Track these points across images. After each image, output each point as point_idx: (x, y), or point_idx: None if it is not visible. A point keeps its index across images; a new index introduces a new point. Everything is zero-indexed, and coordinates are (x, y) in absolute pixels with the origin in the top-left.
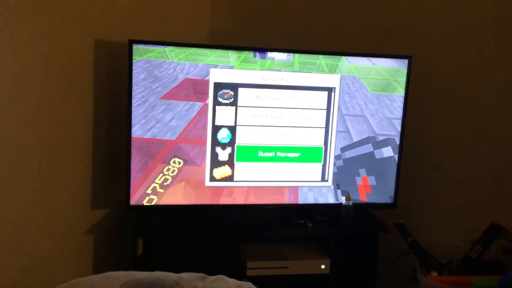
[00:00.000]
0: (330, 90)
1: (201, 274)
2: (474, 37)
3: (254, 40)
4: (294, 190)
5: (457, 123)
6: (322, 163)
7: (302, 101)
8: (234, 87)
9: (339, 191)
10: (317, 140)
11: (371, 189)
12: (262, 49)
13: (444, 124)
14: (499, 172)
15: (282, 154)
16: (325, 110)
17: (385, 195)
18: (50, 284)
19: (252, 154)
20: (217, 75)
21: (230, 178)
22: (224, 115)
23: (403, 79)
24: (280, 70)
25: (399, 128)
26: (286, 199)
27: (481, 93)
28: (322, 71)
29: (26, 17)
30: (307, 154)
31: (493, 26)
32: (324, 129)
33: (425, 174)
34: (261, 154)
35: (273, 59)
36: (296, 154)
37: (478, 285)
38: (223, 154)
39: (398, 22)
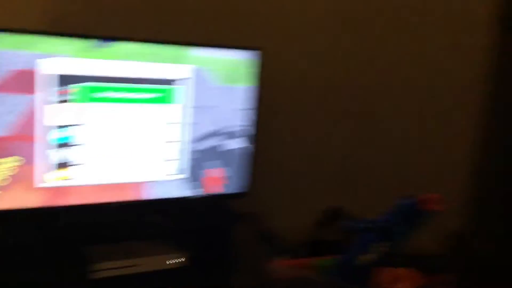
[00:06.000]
0: (178, 81)
1: None
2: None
3: (97, 28)
4: (144, 185)
5: (307, 113)
6: (173, 156)
7: (148, 97)
8: (70, 80)
9: (191, 184)
10: (168, 134)
11: (224, 180)
12: (104, 38)
13: (294, 115)
14: (344, 159)
15: (128, 152)
16: (173, 104)
17: (238, 186)
18: None
19: (93, 154)
20: (50, 66)
21: (68, 180)
22: (58, 114)
23: (252, 70)
24: (124, 60)
25: (249, 119)
26: (136, 195)
27: (334, 83)
28: (169, 62)
29: None
30: (157, 149)
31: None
32: (175, 122)
33: (277, 163)
34: (104, 153)
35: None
36: (145, 150)
37: (319, 266)
38: (58, 156)
39: (247, 13)
